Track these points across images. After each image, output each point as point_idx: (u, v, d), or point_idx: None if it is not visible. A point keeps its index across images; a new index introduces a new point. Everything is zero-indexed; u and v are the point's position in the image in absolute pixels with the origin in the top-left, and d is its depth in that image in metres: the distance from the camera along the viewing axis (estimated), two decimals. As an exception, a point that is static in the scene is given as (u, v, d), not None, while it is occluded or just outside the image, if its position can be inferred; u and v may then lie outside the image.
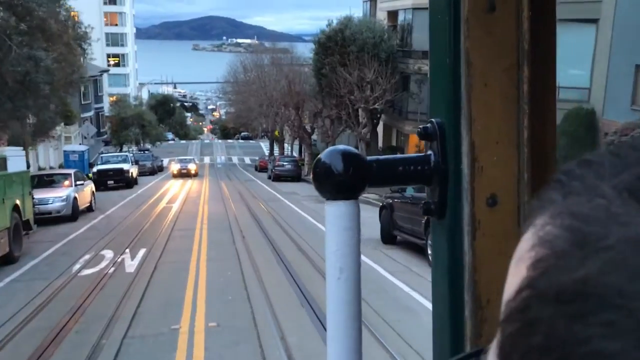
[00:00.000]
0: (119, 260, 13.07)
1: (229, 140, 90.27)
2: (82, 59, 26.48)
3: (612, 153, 0.30)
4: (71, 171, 22.45)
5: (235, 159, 69.06)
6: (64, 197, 19.68)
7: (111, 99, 60.42)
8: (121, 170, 33.82)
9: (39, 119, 24.83)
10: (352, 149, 0.81)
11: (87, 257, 13.53)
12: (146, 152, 51.70)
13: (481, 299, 0.79)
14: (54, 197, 19.52)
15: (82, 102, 54.47)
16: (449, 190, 0.83)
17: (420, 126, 0.86)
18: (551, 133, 0.82)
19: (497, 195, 0.80)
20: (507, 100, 0.79)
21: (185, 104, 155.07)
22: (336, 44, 34.39)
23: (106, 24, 79.34)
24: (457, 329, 0.81)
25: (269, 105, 52.29)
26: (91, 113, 56.41)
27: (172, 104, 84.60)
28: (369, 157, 0.82)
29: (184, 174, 40.99)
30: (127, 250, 14.06)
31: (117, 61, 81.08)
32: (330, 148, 0.82)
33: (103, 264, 12.68)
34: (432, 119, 0.85)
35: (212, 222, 18.91)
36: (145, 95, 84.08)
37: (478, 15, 0.79)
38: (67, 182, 20.95)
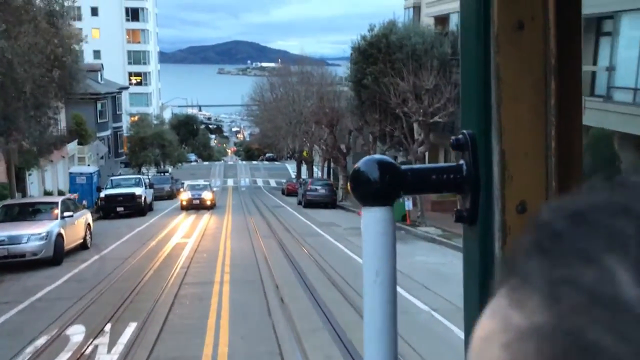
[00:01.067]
0: (88, 351, 8.00)
1: (254, 162, 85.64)
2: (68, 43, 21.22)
3: (616, 205, 0.23)
4: (58, 199, 17.61)
5: (260, 181, 64.22)
6: (44, 234, 14.76)
7: (132, 119, 56.17)
8: (132, 196, 29.05)
9: (28, 131, 19.95)
10: (387, 157, 0.85)
11: (41, 340, 8.49)
12: (165, 174, 47.07)
13: None
14: (31, 234, 14.62)
15: (99, 121, 50.25)
16: (480, 198, 0.85)
17: (453, 137, 0.88)
18: (577, 144, 0.85)
19: (527, 202, 0.82)
20: (536, 112, 0.82)
21: (210, 126, 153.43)
22: (379, 51, 29.45)
23: (128, 41, 75.82)
24: None
25: (298, 122, 47.47)
26: (108, 132, 52.14)
27: (195, 125, 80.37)
28: (403, 166, 0.85)
29: (196, 205, 31.55)
30: (107, 328, 9.00)
31: (139, 80, 77.36)
32: (367, 157, 0.85)
33: (57, 364, 7.61)
34: (464, 130, 0.87)
35: (236, 271, 13.80)
36: (168, 116, 79.99)
37: (507, 33, 0.82)
38: (51, 214, 16.08)
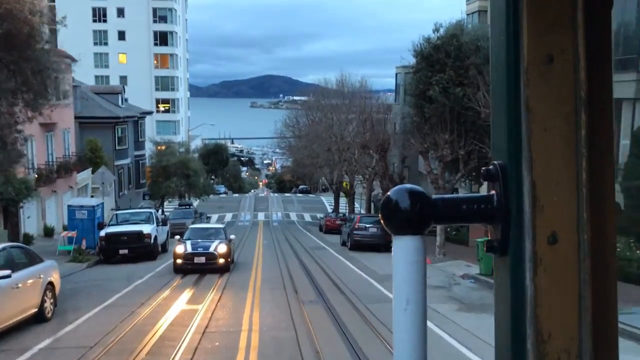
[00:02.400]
0: None
1: (286, 194, 79.58)
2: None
3: None
4: (-8, 248, 11.38)
5: (293, 216, 57.89)
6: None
7: (159, 147, 50.82)
8: (138, 235, 23.02)
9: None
10: (418, 187, 0.85)
11: None
12: (187, 207, 41.14)
13: (543, 333, 0.81)
14: None
15: (117, 147, 44.94)
16: (511, 229, 0.84)
17: (484, 168, 0.88)
18: (609, 174, 0.84)
19: (558, 233, 0.82)
20: (566, 143, 0.82)
21: (242, 158, 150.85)
22: (447, 56, 23.20)
23: (156, 67, 71.34)
24: None
25: (338, 149, 41.33)
26: (128, 160, 46.78)
27: (225, 154, 74.96)
28: (434, 196, 0.85)
29: (199, 267, 18.68)
30: None
31: (167, 107, 72.63)
32: (398, 186, 0.85)
33: None
34: (495, 162, 0.88)
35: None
36: (196, 144, 74.92)
37: (538, 66, 0.83)
38: (-22, 273, 9.95)
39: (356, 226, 27.20)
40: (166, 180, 45.11)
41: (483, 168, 0.89)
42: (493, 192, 0.87)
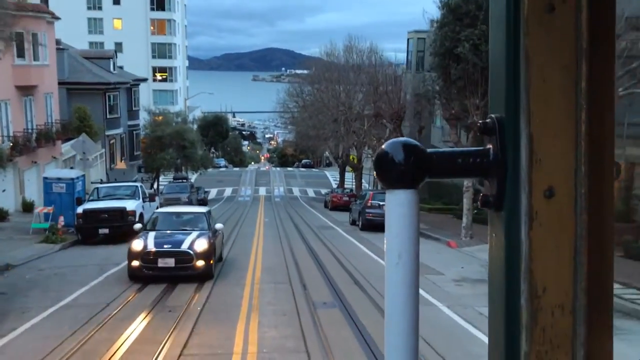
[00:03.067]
0: None
1: (289, 169, 76.29)
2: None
3: None
4: None
5: (296, 191, 54.79)
6: None
7: (157, 118, 47.36)
8: (121, 212, 19.93)
9: None
10: (413, 140, 0.82)
11: None
12: (183, 181, 37.96)
13: (537, 287, 0.80)
14: None
15: (108, 116, 41.59)
16: (507, 183, 0.83)
17: (480, 121, 0.86)
18: (609, 127, 0.82)
19: (554, 187, 0.80)
20: (566, 95, 0.80)
21: (244, 132, 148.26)
22: (479, 8, 19.79)
23: (153, 33, 67.36)
24: (513, 317, 0.81)
25: (346, 120, 38.01)
26: (120, 130, 43.42)
27: (225, 126, 71.41)
28: (429, 149, 0.84)
29: (162, 273, 12.73)
30: None
31: (164, 76, 68.90)
32: (393, 139, 0.83)
33: None
34: (492, 114, 0.85)
35: None
36: (194, 115, 71.40)
37: (538, 15, 0.80)
38: None
39: (369, 204, 24.05)
40: (161, 151, 41.87)
41: (480, 121, 0.85)
42: (489, 145, 0.84)
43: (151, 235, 13.45)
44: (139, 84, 48.37)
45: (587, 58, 0.79)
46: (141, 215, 20.66)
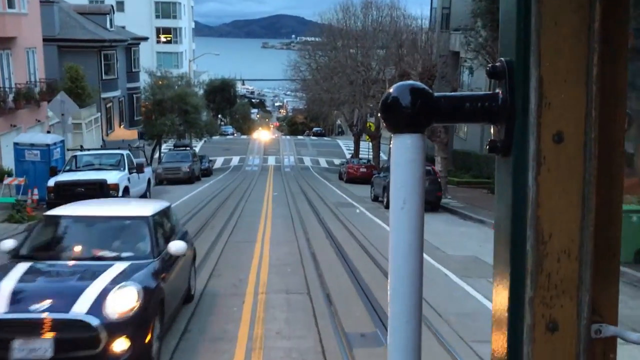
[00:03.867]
0: None
1: (299, 137, 72.38)
2: None
3: None
4: None
5: (307, 161, 51.13)
6: None
7: (160, 82, 43.48)
8: (101, 186, 16.38)
9: None
10: (420, 84, 0.81)
11: None
12: (185, 148, 34.35)
13: (543, 234, 0.79)
14: None
15: (104, 77, 37.82)
16: (515, 128, 0.81)
17: (489, 65, 0.83)
18: (622, 71, 0.80)
19: (564, 132, 0.78)
20: (577, 38, 0.78)
21: (253, 100, 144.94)
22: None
23: (156, -9, 62.98)
24: (518, 263, 0.80)
25: (364, 82, 34.03)
26: (118, 93, 39.69)
27: (232, 91, 67.35)
28: (436, 93, 0.82)
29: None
30: None
31: (168, 38, 64.69)
32: (400, 83, 0.81)
33: None
34: (502, 58, 0.84)
35: None
36: (200, 80, 67.22)
37: None
38: None
39: (396, 178, 20.31)
40: (161, 116, 38.17)
41: (489, 65, 0.82)
42: (498, 90, 0.82)
43: (15, 273, 5.88)
44: (139, 44, 44.41)
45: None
46: (126, 189, 17.14)
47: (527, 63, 0.78)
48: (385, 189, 20.84)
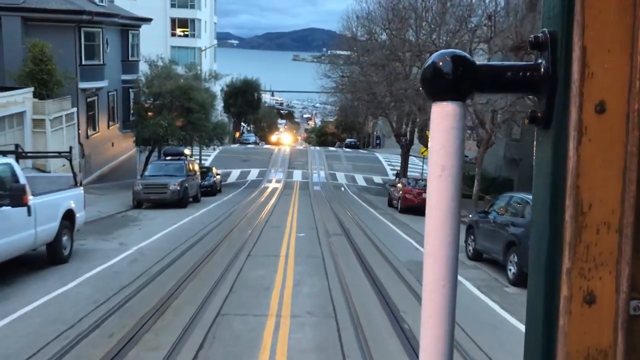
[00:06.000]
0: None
1: (331, 148, 62.43)
2: None
3: None
4: None
5: (340, 177, 41.28)
6: None
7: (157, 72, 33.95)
8: None
9: None
10: (461, 52, 0.79)
11: None
12: (179, 157, 24.71)
13: (583, 204, 0.77)
14: None
15: (84, 62, 28.63)
16: (557, 99, 0.79)
17: (532, 35, 0.81)
18: None
19: (606, 102, 0.76)
20: (622, 7, 0.75)
21: (282, 111, 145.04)
22: None
23: (172, -24, 54.11)
24: (557, 234, 0.79)
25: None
26: (103, 84, 30.38)
27: (256, 94, 57.86)
28: (478, 62, 0.79)
29: None
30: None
31: (185, 32, 55.77)
32: (442, 51, 0.79)
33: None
34: (544, 29, 0.81)
35: None
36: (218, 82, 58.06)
37: None
38: None
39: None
40: (157, 115, 28.77)
41: (531, 36, 0.80)
42: (540, 60, 0.79)
43: None
44: (139, 26, 35.26)
45: None
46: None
47: (570, 33, 0.75)
48: (513, 247, 10.78)
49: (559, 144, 0.78)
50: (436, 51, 0.89)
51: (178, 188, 21.30)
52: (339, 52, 52.16)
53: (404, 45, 26.50)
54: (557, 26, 0.79)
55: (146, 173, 22.67)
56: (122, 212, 20.44)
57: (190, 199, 23.11)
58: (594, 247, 0.76)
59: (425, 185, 23.10)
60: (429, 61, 0.78)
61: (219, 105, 61.49)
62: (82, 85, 28.37)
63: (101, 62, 29.78)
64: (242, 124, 67.32)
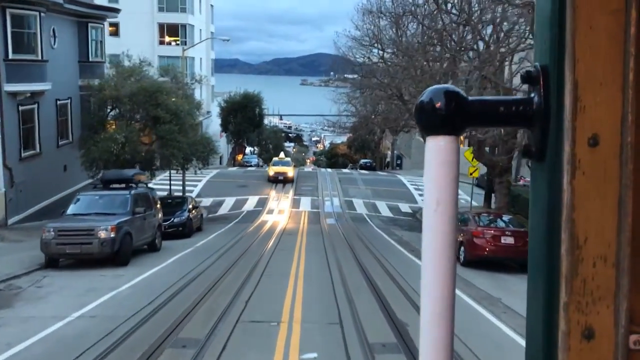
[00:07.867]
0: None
1: (344, 170, 53.96)
2: None
3: None
4: None
5: (359, 205, 32.64)
6: None
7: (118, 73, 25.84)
8: None
9: None
10: (454, 87, 0.80)
11: None
12: (127, 186, 16.19)
13: (578, 238, 0.76)
14: None
15: (12, 56, 20.54)
16: (550, 132, 0.79)
17: (525, 70, 0.81)
18: None
19: (599, 135, 0.76)
20: (613, 42, 0.75)
21: (290, 134, 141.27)
22: None
23: (159, -24, 46.47)
24: (553, 267, 0.78)
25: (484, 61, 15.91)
26: (46, 86, 22.23)
27: (257, 110, 49.69)
28: (471, 97, 0.80)
29: None
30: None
31: (176, 40, 47.96)
32: (434, 86, 0.80)
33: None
34: (537, 63, 0.82)
35: None
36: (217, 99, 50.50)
37: None
38: None
39: None
40: (109, 128, 20.45)
41: (524, 70, 0.81)
42: (533, 94, 0.80)
43: None
44: (103, 19, 27.32)
45: (637, 3, 0.73)
46: None
47: (562, 67, 0.75)
48: None
49: (554, 177, 0.77)
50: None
51: (112, 235, 12.95)
52: (347, 75, 45.00)
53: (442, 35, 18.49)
54: (548, 60, 0.78)
55: (68, 211, 14.25)
56: (15, 276, 12.12)
57: (145, 246, 14.77)
58: (590, 281, 0.75)
59: (506, 224, 14.76)
60: (423, 96, 0.77)
61: (216, 123, 53.63)
62: (9, 87, 20.31)
63: (39, 58, 21.70)
64: (245, 145, 59.23)
